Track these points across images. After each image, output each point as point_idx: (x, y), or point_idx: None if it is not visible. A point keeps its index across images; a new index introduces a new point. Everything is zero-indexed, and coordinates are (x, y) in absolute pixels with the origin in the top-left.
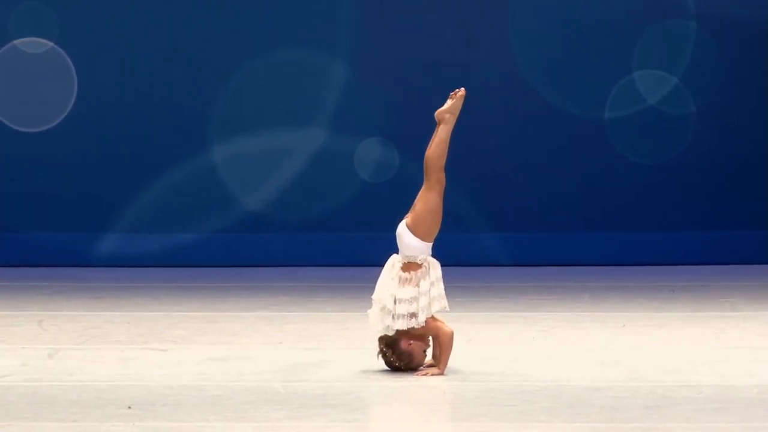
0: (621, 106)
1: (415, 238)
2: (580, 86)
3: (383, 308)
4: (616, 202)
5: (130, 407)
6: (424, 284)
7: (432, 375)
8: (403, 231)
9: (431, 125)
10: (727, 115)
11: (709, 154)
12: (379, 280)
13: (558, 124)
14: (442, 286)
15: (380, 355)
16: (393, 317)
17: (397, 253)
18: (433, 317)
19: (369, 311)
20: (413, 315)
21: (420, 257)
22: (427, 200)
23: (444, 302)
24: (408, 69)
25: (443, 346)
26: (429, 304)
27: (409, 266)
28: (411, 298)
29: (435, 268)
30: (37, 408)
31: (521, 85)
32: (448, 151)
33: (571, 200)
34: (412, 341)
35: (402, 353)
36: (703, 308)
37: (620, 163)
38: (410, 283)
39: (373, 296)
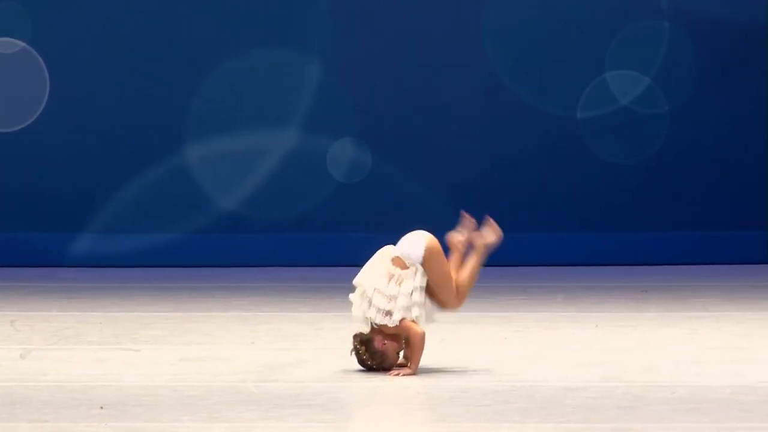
0: (597, 105)
1: (421, 256)
2: (556, 86)
3: (363, 293)
4: (602, 202)
5: (102, 407)
6: (407, 285)
7: (404, 375)
8: (421, 242)
9: (404, 125)
10: (726, 114)
11: (705, 154)
12: (367, 264)
13: (535, 124)
14: (423, 296)
15: (353, 353)
16: (369, 304)
17: (394, 245)
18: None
19: (351, 296)
20: (388, 312)
21: (413, 263)
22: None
23: (421, 313)
24: (381, 69)
25: (414, 346)
26: (409, 307)
27: (399, 262)
28: (390, 295)
29: (423, 276)
30: (11, 408)
31: (496, 85)
32: (425, 151)
33: (554, 200)
34: (386, 341)
35: (375, 352)
36: (677, 308)
37: (605, 163)
38: (394, 280)
39: (355, 280)
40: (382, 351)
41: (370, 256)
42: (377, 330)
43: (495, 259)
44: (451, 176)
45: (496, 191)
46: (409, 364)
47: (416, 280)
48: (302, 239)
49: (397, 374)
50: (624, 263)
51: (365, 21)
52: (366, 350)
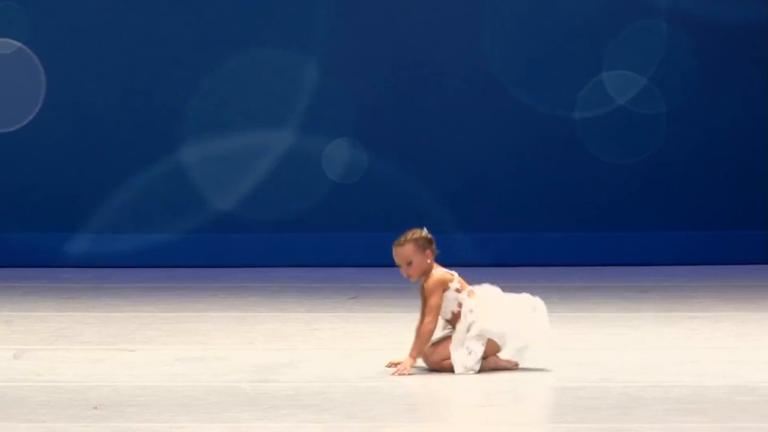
0: (594, 105)
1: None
2: (554, 86)
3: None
4: (600, 202)
5: (96, 408)
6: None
7: (402, 372)
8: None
9: (401, 125)
10: (725, 114)
11: (704, 154)
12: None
13: (532, 124)
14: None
15: (410, 233)
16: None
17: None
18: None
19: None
20: (461, 306)
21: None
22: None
23: (469, 356)
24: (378, 69)
25: (421, 336)
26: (473, 327)
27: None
28: (475, 313)
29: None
30: (6, 409)
31: (493, 85)
32: (422, 151)
33: (553, 200)
34: (430, 260)
35: (415, 257)
36: (676, 308)
37: (603, 163)
38: (499, 319)
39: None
40: (415, 266)
41: (366, 257)
42: (425, 260)
43: (495, 259)
44: (448, 176)
45: (495, 191)
46: (410, 352)
47: (474, 341)
48: (298, 240)
49: (401, 373)
50: (623, 263)
51: (363, 21)
52: (410, 247)
